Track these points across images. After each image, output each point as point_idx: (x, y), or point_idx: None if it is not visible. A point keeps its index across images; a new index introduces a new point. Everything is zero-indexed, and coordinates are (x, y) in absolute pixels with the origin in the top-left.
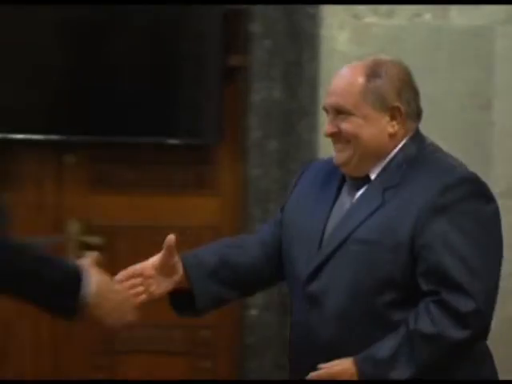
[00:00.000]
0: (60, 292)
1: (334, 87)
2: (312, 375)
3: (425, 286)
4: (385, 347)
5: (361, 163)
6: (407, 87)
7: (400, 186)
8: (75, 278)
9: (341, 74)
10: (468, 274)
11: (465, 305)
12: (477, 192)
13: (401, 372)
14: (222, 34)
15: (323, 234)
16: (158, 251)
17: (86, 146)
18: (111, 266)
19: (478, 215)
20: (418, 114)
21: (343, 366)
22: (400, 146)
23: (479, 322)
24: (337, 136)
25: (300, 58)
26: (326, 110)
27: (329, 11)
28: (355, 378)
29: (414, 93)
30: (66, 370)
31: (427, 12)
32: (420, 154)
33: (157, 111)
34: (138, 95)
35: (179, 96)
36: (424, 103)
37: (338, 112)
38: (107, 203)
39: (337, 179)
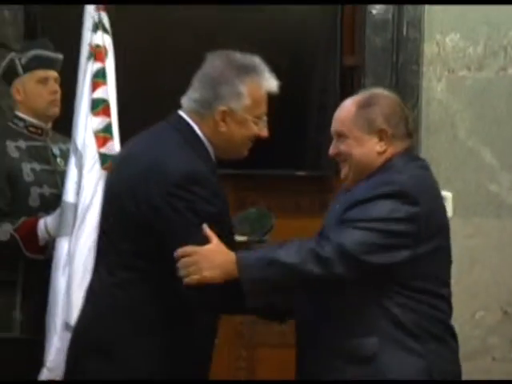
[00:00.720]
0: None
1: (335, 116)
2: (183, 249)
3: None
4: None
5: (356, 177)
6: (395, 113)
7: (354, 188)
8: None
9: (341, 106)
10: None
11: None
12: (396, 193)
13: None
14: (340, 85)
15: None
16: None
17: (231, 177)
18: None
19: (389, 210)
20: (407, 135)
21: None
22: (387, 159)
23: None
24: (337, 156)
25: (404, 105)
26: (332, 135)
27: (429, 67)
28: (227, 258)
29: (403, 118)
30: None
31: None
32: (399, 167)
33: (288, 149)
34: (274, 136)
35: (305, 137)
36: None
37: (338, 136)
38: None
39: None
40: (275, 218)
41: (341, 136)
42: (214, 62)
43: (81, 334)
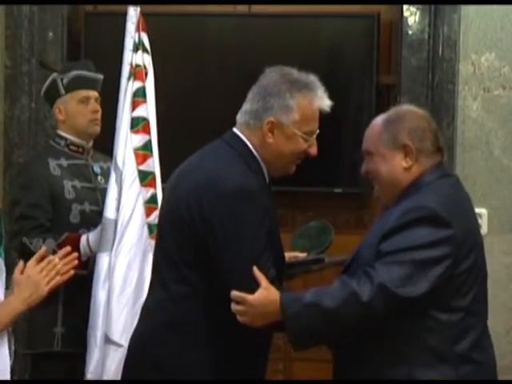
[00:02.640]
0: None
1: (365, 134)
2: (234, 294)
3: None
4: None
5: (386, 194)
6: (419, 128)
7: (391, 208)
8: None
9: (370, 124)
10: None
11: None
12: (427, 218)
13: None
14: (376, 104)
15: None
16: (324, 278)
17: None
18: None
19: (422, 237)
20: (435, 151)
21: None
22: (419, 176)
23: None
24: (367, 175)
25: (440, 123)
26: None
27: (464, 86)
28: (276, 307)
29: (430, 133)
30: None
31: None
32: (432, 183)
33: (324, 166)
34: None
35: (342, 155)
36: None
37: (367, 154)
38: (283, 240)
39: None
40: (334, 233)
41: (369, 154)
42: (269, 75)
43: (135, 348)
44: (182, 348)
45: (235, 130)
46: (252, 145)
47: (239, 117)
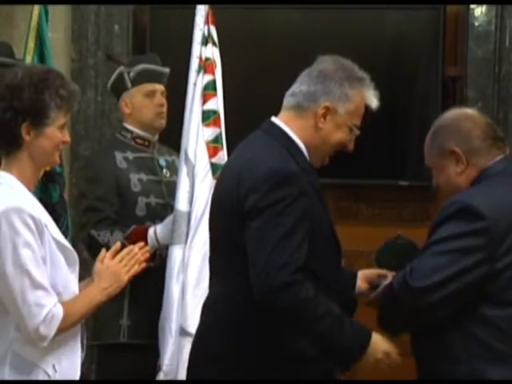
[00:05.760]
0: (352, 353)
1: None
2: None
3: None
4: None
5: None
6: (463, 131)
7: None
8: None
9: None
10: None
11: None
12: (458, 212)
13: None
14: (442, 96)
15: None
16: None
17: (333, 186)
18: None
19: (452, 229)
20: (489, 146)
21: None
22: (480, 173)
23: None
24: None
25: (507, 115)
26: None
27: None
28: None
29: (477, 132)
30: None
31: None
32: (491, 177)
33: (390, 159)
34: (375, 147)
35: (408, 147)
36: None
37: (431, 168)
38: (348, 233)
39: None
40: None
41: (431, 168)
42: (326, 62)
43: (197, 343)
44: (239, 342)
45: (273, 118)
46: (293, 130)
47: (289, 99)
